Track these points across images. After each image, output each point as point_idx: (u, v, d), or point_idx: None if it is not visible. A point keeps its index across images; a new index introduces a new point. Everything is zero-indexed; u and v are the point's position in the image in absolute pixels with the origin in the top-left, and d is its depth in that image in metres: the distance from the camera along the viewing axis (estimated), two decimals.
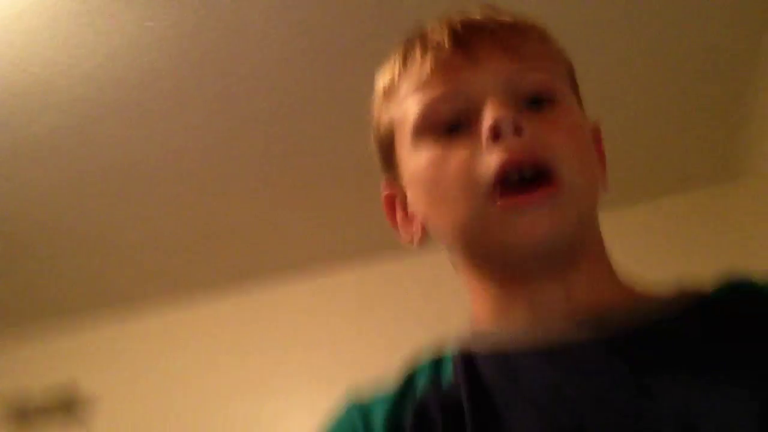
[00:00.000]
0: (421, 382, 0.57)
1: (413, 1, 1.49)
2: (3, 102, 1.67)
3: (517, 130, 0.53)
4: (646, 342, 0.51)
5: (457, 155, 0.55)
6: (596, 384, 0.50)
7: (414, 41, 0.61)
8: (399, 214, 0.65)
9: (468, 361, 0.55)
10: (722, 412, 0.45)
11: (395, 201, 0.66)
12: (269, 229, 2.34)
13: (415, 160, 0.59)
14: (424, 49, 0.59)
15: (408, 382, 0.57)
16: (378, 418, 0.55)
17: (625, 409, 0.48)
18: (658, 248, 2.23)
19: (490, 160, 0.53)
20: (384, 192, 0.67)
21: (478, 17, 0.60)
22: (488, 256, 0.57)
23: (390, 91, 0.63)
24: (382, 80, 0.65)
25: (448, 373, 0.56)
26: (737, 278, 0.56)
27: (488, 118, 0.54)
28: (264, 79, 1.72)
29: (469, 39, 0.58)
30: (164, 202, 2.14)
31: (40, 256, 2.29)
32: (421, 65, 0.59)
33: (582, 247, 0.57)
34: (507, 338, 0.56)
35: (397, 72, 0.62)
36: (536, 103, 0.57)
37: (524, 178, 0.53)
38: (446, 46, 0.58)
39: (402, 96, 0.61)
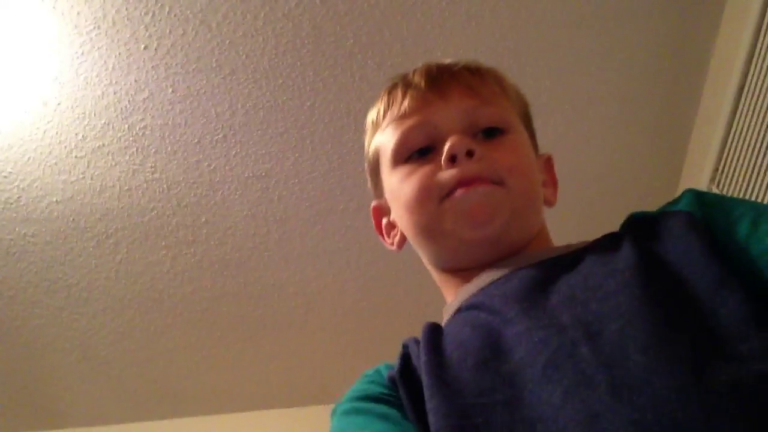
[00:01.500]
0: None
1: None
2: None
3: (469, 153, 0.67)
4: (553, 265, 0.63)
5: (422, 172, 0.69)
6: (512, 294, 0.60)
7: (397, 83, 0.76)
8: (384, 222, 0.81)
9: (431, 328, 0.65)
10: (599, 280, 0.56)
11: (381, 213, 0.81)
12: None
13: (393, 177, 0.73)
14: (405, 88, 0.74)
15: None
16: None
17: (531, 303, 0.57)
18: None
19: (447, 176, 0.67)
20: (372, 205, 0.82)
21: (449, 63, 0.75)
22: (444, 246, 0.71)
23: (377, 124, 0.77)
24: (370, 116, 0.79)
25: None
26: (636, 214, 0.67)
27: (447, 145, 0.67)
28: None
29: (440, 80, 0.73)
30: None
31: None
32: (402, 101, 0.73)
33: (518, 241, 0.69)
34: (457, 302, 0.69)
35: (382, 108, 0.76)
36: (490, 133, 0.71)
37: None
38: (422, 85, 0.72)
39: (385, 127, 0.75)
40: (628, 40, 1.64)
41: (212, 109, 1.70)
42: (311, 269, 2.11)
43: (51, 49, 1.55)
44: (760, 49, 1.44)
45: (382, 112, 0.76)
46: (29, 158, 1.78)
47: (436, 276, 0.77)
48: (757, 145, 1.49)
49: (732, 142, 1.60)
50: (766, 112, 1.44)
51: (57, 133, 1.73)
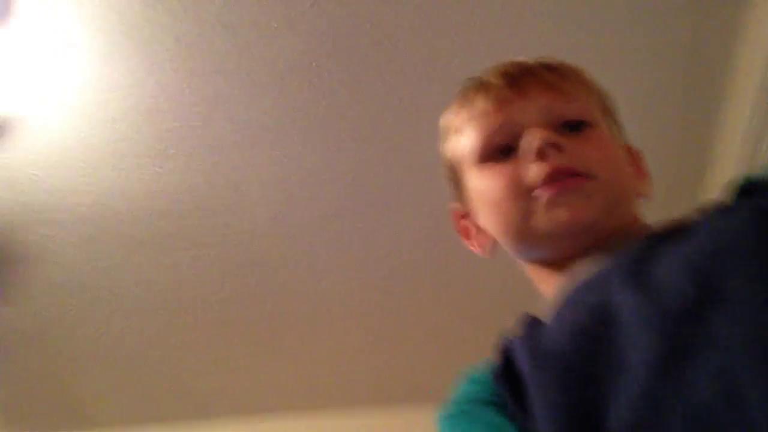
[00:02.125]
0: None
1: None
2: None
3: (558, 147, 0.65)
4: (660, 238, 0.58)
5: (508, 169, 0.67)
6: (620, 271, 0.56)
7: (473, 85, 0.75)
8: (472, 230, 0.78)
9: (531, 318, 0.63)
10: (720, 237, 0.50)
11: (466, 220, 0.79)
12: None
13: (478, 180, 0.72)
14: (483, 89, 0.72)
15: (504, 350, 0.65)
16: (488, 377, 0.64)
17: (643, 274, 0.52)
18: None
19: (535, 171, 0.65)
20: (454, 212, 0.81)
21: (525, 61, 0.74)
22: (538, 245, 0.68)
23: (454, 127, 0.76)
24: (446, 119, 0.78)
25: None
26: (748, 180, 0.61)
27: (534, 140, 0.66)
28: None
29: (518, 78, 0.71)
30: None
31: None
32: (479, 102, 0.72)
33: (613, 232, 0.65)
34: (560, 293, 0.64)
35: (459, 111, 0.75)
36: (574, 127, 0.69)
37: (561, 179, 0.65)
38: (499, 84, 0.71)
39: (463, 131, 0.74)
40: (652, 39, 1.63)
41: (232, 111, 1.72)
42: (328, 270, 2.12)
43: (76, 54, 1.58)
44: None
45: (459, 115, 0.75)
46: (55, 162, 1.82)
47: (530, 270, 0.74)
48: None
49: (760, 141, 1.57)
50: None
51: (82, 137, 1.76)
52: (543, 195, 0.64)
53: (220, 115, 1.73)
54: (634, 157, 0.77)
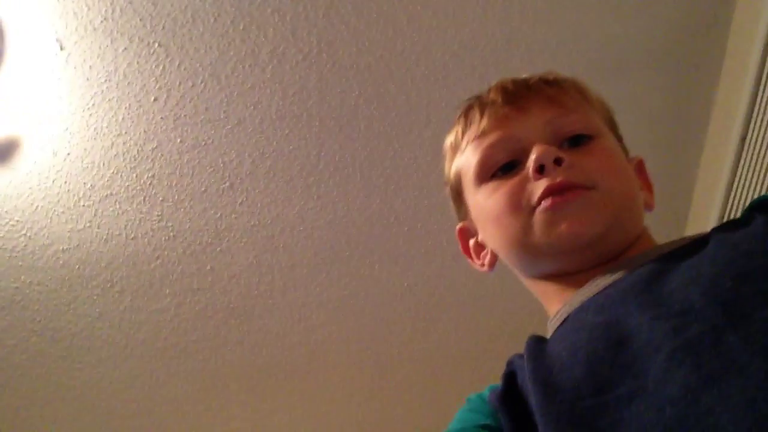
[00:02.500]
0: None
1: None
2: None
3: (557, 161, 0.64)
4: (670, 257, 0.57)
5: (510, 185, 0.66)
6: (629, 289, 0.55)
7: (473, 104, 0.74)
8: (471, 244, 0.78)
9: (535, 339, 0.61)
10: (730, 255, 0.50)
11: (467, 234, 0.79)
12: None
13: (479, 195, 0.71)
14: (482, 108, 0.72)
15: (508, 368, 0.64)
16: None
17: (653, 294, 0.52)
18: None
19: (536, 187, 0.64)
20: (459, 231, 0.80)
21: (524, 78, 0.73)
22: (540, 259, 0.67)
23: (455, 147, 0.76)
24: (448, 140, 0.78)
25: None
26: (762, 199, 0.62)
27: (534, 155, 0.64)
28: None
29: (517, 94, 0.70)
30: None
31: None
32: (480, 120, 0.71)
33: (620, 245, 0.65)
34: (567, 310, 0.64)
35: (460, 130, 0.75)
36: (576, 141, 0.68)
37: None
38: (499, 101, 0.70)
39: (465, 148, 0.73)
40: (630, 93, 1.67)
41: (219, 158, 1.72)
42: (316, 318, 2.10)
43: (62, 101, 1.58)
44: (761, 99, 1.46)
45: (460, 134, 0.74)
46: (37, 207, 1.79)
47: (534, 286, 0.73)
48: (762, 191, 1.49)
49: (736, 192, 1.61)
50: None
51: (66, 183, 1.75)
52: (543, 210, 0.63)
53: (207, 162, 1.73)
54: (637, 167, 0.76)
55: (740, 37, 1.53)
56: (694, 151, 1.79)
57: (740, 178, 1.59)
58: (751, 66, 1.46)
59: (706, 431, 0.40)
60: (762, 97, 1.46)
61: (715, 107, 1.69)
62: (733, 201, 1.63)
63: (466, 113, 0.75)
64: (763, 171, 1.48)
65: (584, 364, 0.50)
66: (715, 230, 0.58)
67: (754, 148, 1.50)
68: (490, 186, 0.69)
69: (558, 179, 0.63)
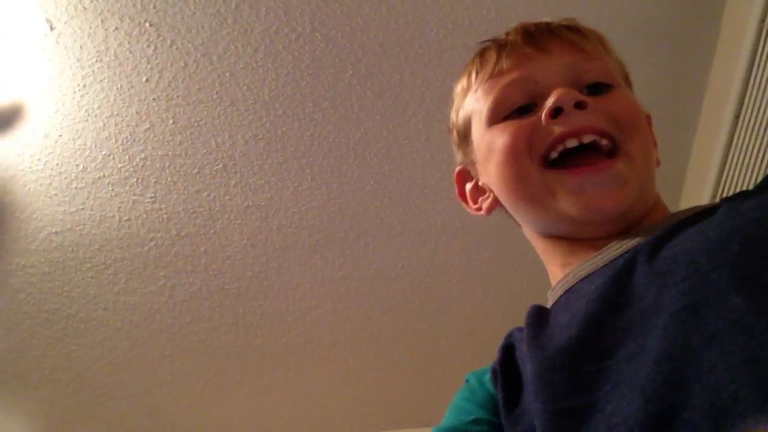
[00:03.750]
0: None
1: None
2: None
3: (580, 105, 0.60)
4: (681, 225, 0.55)
5: (522, 124, 0.63)
6: (638, 258, 0.53)
7: (489, 46, 0.71)
8: (469, 188, 0.74)
9: (537, 309, 0.60)
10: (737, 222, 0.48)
11: (465, 178, 0.75)
12: None
13: (488, 136, 0.66)
14: (500, 48, 0.68)
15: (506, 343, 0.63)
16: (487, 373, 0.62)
17: (662, 261, 0.50)
18: None
19: (549, 131, 0.61)
20: (457, 173, 0.76)
21: (546, 21, 0.70)
22: (559, 222, 0.63)
23: (467, 88, 0.71)
24: (460, 82, 0.73)
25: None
26: None
27: (554, 97, 0.61)
28: None
29: (539, 36, 0.67)
30: None
31: None
32: (497, 60, 0.67)
33: (642, 213, 0.63)
34: (574, 277, 0.61)
35: (474, 71, 0.70)
36: (596, 89, 0.64)
37: (583, 146, 0.60)
38: (519, 41, 0.67)
39: (478, 89, 0.69)
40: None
41: (212, 139, 1.71)
42: (310, 299, 2.11)
43: (53, 82, 1.56)
44: (755, 78, 1.46)
45: (474, 75, 0.70)
46: (29, 189, 1.78)
47: (538, 242, 0.69)
48: (754, 173, 1.50)
49: (729, 169, 1.61)
50: (762, 138, 1.45)
51: (58, 165, 1.74)
52: (568, 173, 0.60)
53: (200, 143, 1.72)
54: (648, 121, 0.72)
55: (734, 15, 1.53)
56: (689, 129, 1.79)
57: (733, 156, 1.59)
58: (745, 44, 1.46)
59: (707, 389, 0.40)
60: (756, 75, 1.46)
61: (709, 86, 1.69)
62: (726, 178, 1.64)
63: (482, 54, 0.71)
64: (757, 149, 1.48)
65: (584, 329, 0.50)
66: (726, 199, 0.57)
67: (748, 125, 1.50)
68: (503, 126, 0.65)
69: (578, 122, 0.60)
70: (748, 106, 1.50)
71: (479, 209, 0.73)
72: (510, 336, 0.61)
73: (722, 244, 0.46)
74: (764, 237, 0.45)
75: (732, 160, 1.60)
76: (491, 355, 0.65)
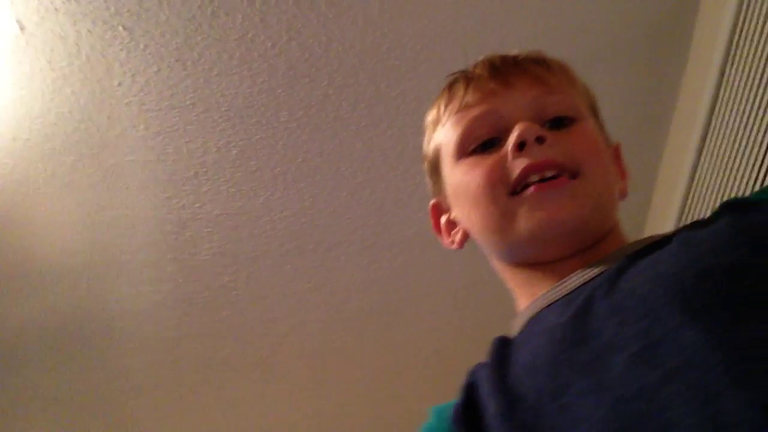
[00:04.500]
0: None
1: None
2: None
3: (540, 140, 0.63)
4: (636, 257, 0.57)
5: (488, 162, 0.66)
6: (596, 291, 0.55)
7: (457, 78, 0.73)
8: (443, 221, 0.77)
9: (499, 344, 0.61)
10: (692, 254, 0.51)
11: (440, 211, 0.78)
12: None
13: (456, 172, 0.69)
14: (467, 81, 0.71)
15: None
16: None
17: (619, 295, 0.52)
18: None
19: (515, 165, 0.63)
20: (431, 203, 0.79)
21: (512, 54, 0.73)
22: (519, 245, 0.65)
23: (436, 121, 0.74)
24: (430, 114, 0.75)
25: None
26: (729, 201, 0.62)
27: (516, 132, 0.64)
28: None
29: (504, 70, 0.70)
30: None
31: None
32: (463, 94, 0.70)
33: (598, 234, 0.65)
34: (536, 306, 0.63)
35: (443, 104, 0.73)
36: (559, 123, 0.67)
37: (545, 178, 0.63)
38: (485, 76, 0.70)
39: (446, 121, 0.72)
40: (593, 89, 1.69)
41: (184, 146, 1.69)
42: (279, 310, 2.09)
43: (22, 85, 1.53)
44: (722, 99, 1.50)
45: (443, 108, 0.73)
46: None
47: (505, 272, 0.71)
48: (719, 199, 1.53)
49: (696, 189, 1.64)
50: (728, 158, 1.48)
51: (25, 169, 1.70)
52: (528, 195, 0.62)
53: (172, 149, 1.70)
54: (614, 153, 0.76)
55: (702, 42, 1.57)
56: (655, 149, 1.83)
57: (700, 177, 1.62)
58: (713, 65, 1.49)
59: (665, 426, 0.40)
60: (723, 96, 1.49)
61: (677, 106, 1.72)
62: (693, 197, 1.67)
63: (450, 87, 0.73)
64: (723, 170, 1.51)
65: (545, 366, 0.51)
66: (679, 230, 0.59)
67: (715, 145, 1.53)
68: (469, 161, 0.68)
69: (539, 157, 0.63)
70: (715, 127, 1.53)
71: (452, 242, 0.76)
72: (472, 374, 0.61)
73: (676, 278, 0.48)
74: (714, 269, 0.47)
75: (699, 180, 1.63)
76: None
